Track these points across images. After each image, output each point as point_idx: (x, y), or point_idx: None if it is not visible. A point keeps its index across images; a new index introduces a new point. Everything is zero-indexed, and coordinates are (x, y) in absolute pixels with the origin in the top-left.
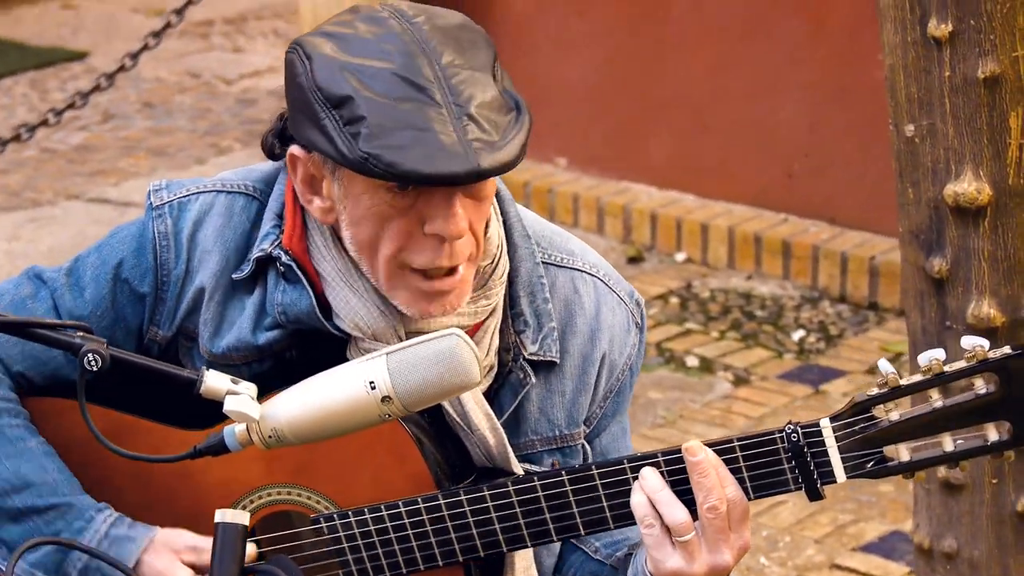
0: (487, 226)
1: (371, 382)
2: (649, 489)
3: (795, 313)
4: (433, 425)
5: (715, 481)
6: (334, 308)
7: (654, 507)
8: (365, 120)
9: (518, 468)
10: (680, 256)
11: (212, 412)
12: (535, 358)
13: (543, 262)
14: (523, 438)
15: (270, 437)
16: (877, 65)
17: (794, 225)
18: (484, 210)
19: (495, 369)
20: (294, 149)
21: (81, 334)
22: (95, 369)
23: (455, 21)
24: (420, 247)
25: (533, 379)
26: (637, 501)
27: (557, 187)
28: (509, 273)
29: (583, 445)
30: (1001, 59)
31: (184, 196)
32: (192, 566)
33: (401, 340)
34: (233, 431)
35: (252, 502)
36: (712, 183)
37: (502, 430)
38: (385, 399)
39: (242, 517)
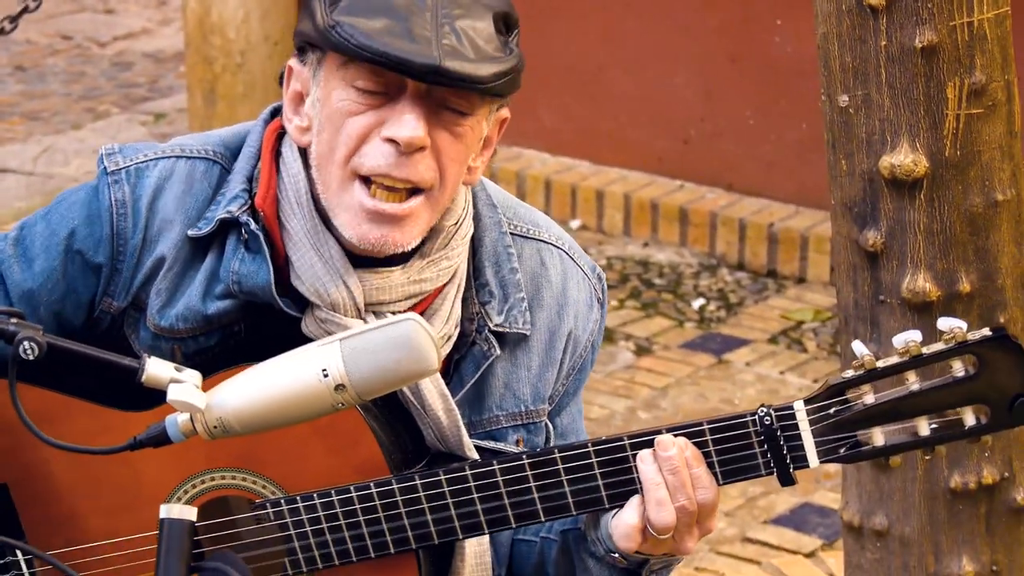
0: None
1: (324, 369)
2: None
3: (694, 281)
4: (385, 406)
5: (685, 479)
6: (296, 269)
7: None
8: None
9: (472, 452)
10: (575, 223)
11: (153, 392)
12: (501, 330)
13: (510, 233)
14: (487, 413)
15: (215, 427)
16: (772, 31)
17: (690, 192)
18: (458, 148)
19: (454, 339)
20: (291, 62)
21: (15, 320)
22: (31, 358)
23: None
24: (372, 151)
25: (498, 351)
26: (647, 470)
27: None
28: (473, 241)
29: (546, 423)
30: (939, 28)
31: (142, 162)
32: None
33: (360, 311)
34: (176, 421)
35: (194, 487)
36: (607, 150)
37: (457, 412)
38: (339, 387)
39: (188, 512)
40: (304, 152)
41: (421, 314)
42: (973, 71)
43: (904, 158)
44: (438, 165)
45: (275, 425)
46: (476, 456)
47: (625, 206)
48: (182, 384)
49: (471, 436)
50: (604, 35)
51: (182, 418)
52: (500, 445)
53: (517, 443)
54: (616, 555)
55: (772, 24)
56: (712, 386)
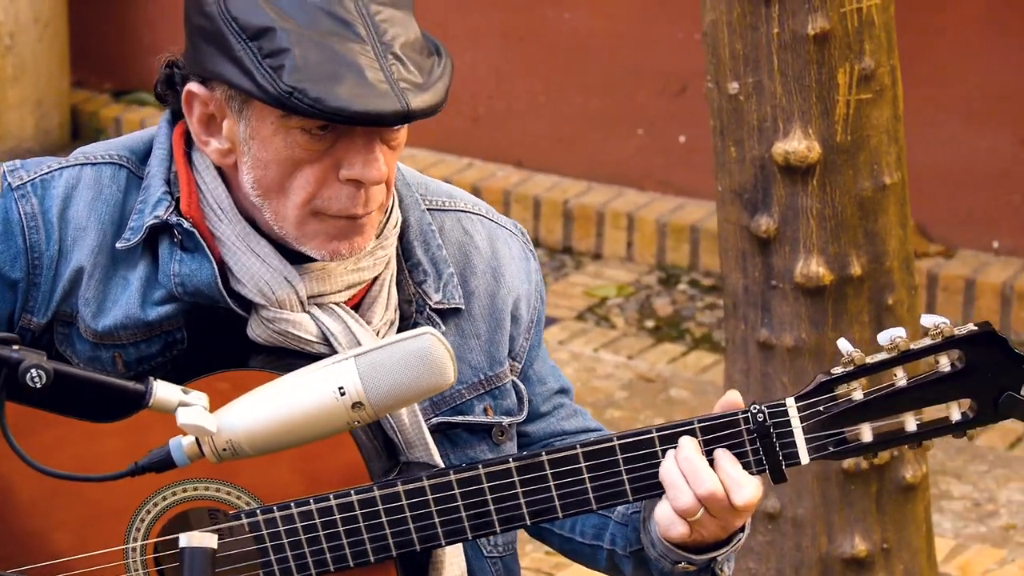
0: None
1: (340, 387)
2: (681, 457)
3: None
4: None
5: (698, 465)
6: (236, 274)
7: (683, 475)
8: (288, 53)
9: (436, 456)
10: None
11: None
12: (441, 307)
13: (428, 208)
14: (447, 390)
15: (224, 450)
16: (561, 7)
17: (481, 170)
18: (396, 158)
19: (396, 324)
20: (192, 86)
21: (17, 347)
22: (39, 386)
23: None
24: (335, 193)
25: (443, 327)
26: (667, 468)
27: None
28: (400, 223)
29: (513, 383)
30: (830, 15)
31: (45, 173)
32: None
33: (303, 305)
34: (180, 444)
35: (165, 499)
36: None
37: (418, 411)
38: (356, 405)
39: (209, 540)
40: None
41: (360, 302)
42: (863, 57)
43: (798, 144)
44: (386, 182)
45: (287, 446)
46: (439, 460)
47: None
48: (191, 407)
49: (437, 415)
50: (445, 8)
51: (187, 441)
52: (468, 418)
53: (485, 411)
54: (681, 564)
55: (561, 3)
56: None
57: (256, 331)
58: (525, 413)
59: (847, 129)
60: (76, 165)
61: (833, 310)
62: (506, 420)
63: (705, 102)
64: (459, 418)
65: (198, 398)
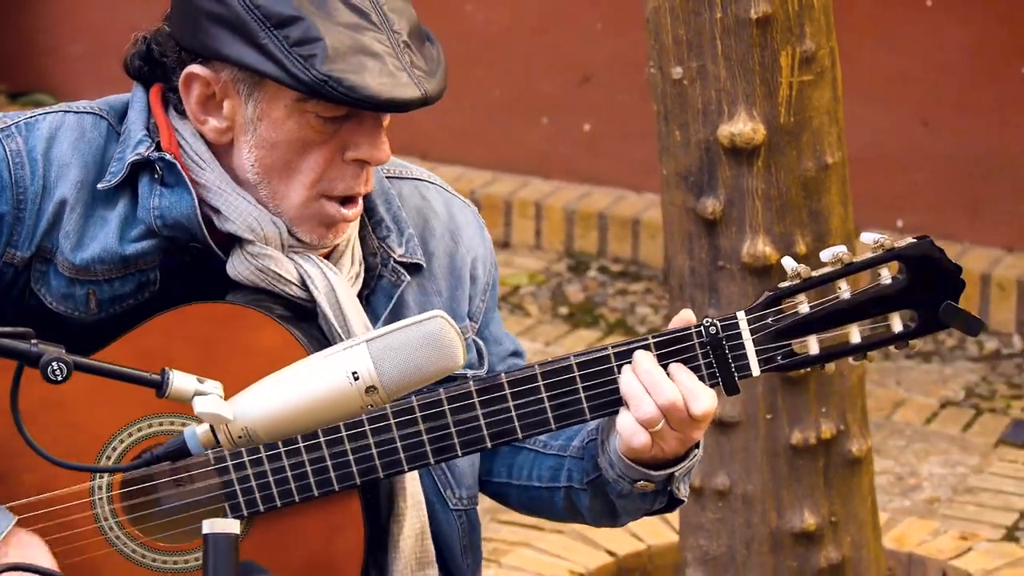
0: None
1: (353, 372)
2: (641, 370)
3: None
4: (315, 339)
5: (658, 377)
6: (223, 211)
7: (644, 386)
8: (320, 42)
9: None
10: None
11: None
12: (404, 260)
13: (387, 176)
14: None
15: (240, 437)
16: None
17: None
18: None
19: (361, 276)
20: (195, 68)
21: (35, 340)
22: (59, 379)
23: None
24: (340, 174)
25: (408, 278)
26: (627, 381)
27: None
28: None
29: (474, 340)
30: None
31: (30, 117)
32: None
33: (284, 246)
34: (195, 433)
35: (130, 435)
36: None
37: None
38: (370, 389)
39: (232, 526)
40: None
41: (328, 256)
42: (804, 39)
43: (743, 126)
44: None
45: (302, 431)
46: None
47: None
48: (208, 396)
49: None
50: None
51: (201, 430)
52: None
53: None
54: (640, 481)
55: None
56: None
57: (237, 268)
58: (486, 367)
59: (790, 111)
60: (59, 112)
61: None
62: (469, 372)
63: (608, 91)
64: None
65: (213, 387)
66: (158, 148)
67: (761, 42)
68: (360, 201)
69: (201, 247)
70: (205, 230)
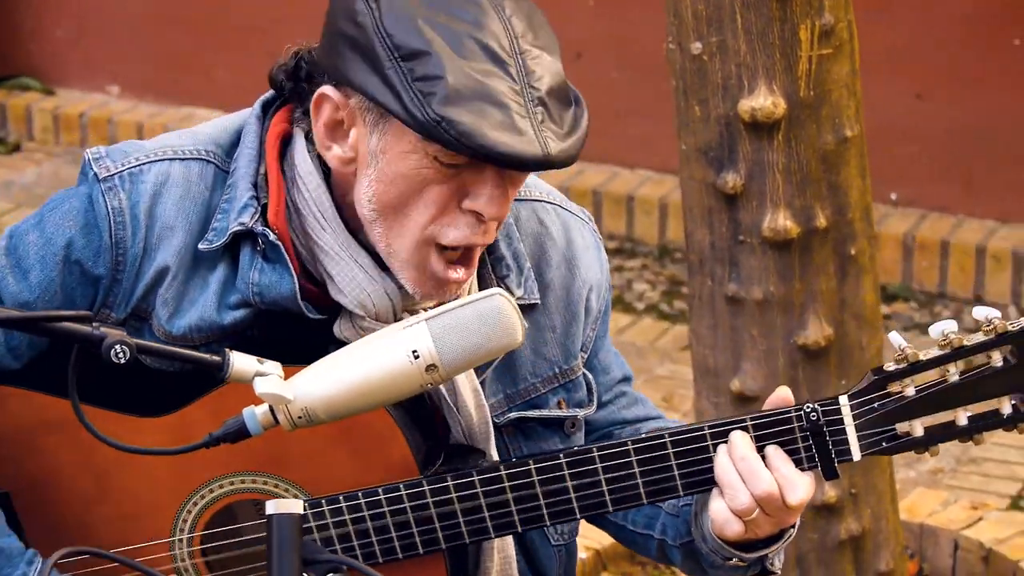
0: None
1: (414, 351)
2: (737, 456)
3: None
4: (410, 403)
5: (754, 465)
6: (337, 282)
7: (740, 475)
8: (441, 81)
9: (493, 450)
10: None
11: (168, 397)
12: (522, 303)
13: None
14: (522, 384)
15: (300, 418)
16: None
17: None
18: (514, 196)
19: None
20: (327, 89)
21: (97, 324)
22: (123, 361)
23: None
24: (454, 221)
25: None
26: (723, 467)
27: (117, 116)
28: None
29: (584, 375)
30: None
31: (134, 166)
32: None
33: (396, 316)
34: (254, 414)
35: (211, 491)
36: None
37: (487, 407)
38: (430, 368)
39: (295, 506)
40: (321, 162)
41: (443, 302)
42: (823, 13)
43: (764, 101)
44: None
45: (362, 410)
46: (495, 453)
47: None
48: (268, 376)
49: (511, 409)
50: None
51: (261, 410)
52: (544, 412)
53: (559, 405)
54: (733, 559)
55: None
56: None
57: (345, 332)
58: (595, 405)
59: (810, 84)
60: (165, 159)
61: (800, 262)
62: (579, 413)
63: (601, 68)
64: (535, 412)
65: (273, 367)
66: (264, 214)
67: (781, 16)
68: (475, 261)
69: (298, 314)
70: (305, 306)
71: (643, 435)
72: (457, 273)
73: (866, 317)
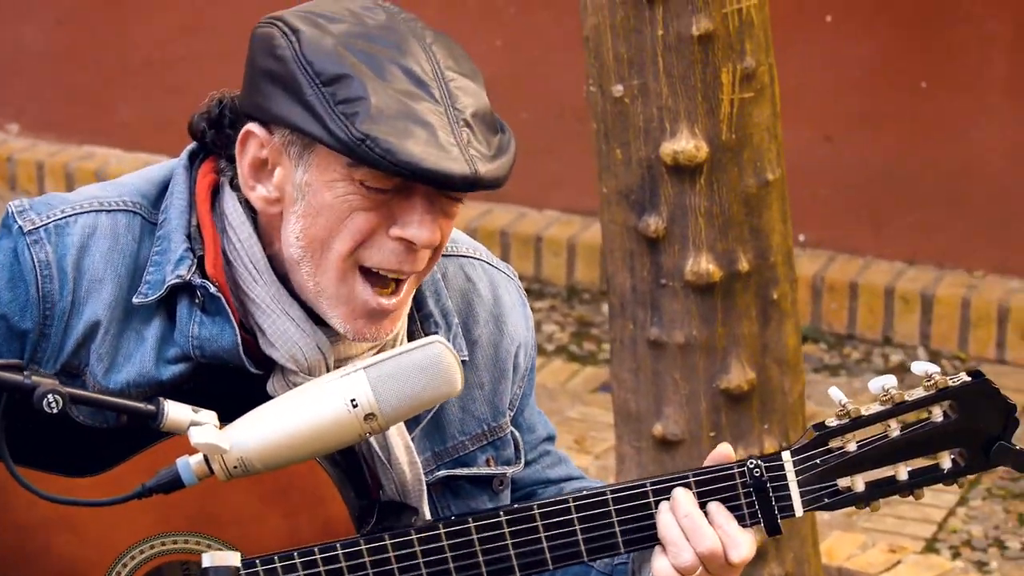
0: None
1: (352, 400)
2: (681, 513)
3: None
4: (342, 459)
5: (699, 522)
6: (268, 336)
7: (684, 532)
8: (363, 100)
9: (426, 507)
10: None
11: (103, 454)
12: None
13: None
14: (451, 441)
15: (235, 468)
16: None
17: None
18: (450, 226)
19: None
20: (252, 126)
21: (28, 372)
22: (55, 411)
23: (437, 30)
24: (381, 246)
25: None
26: (666, 524)
27: (17, 155)
28: None
29: (512, 433)
30: (713, 15)
31: (60, 219)
32: None
33: (328, 370)
34: (188, 464)
35: (142, 552)
36: (187, 143)
37: (419, 465)
38: (368, 416)
39: (233, 558)
40: (250, 210)
41: (378, 343)
42: (744, 56)
43: (686, 144)
44: (435, 249)
45: (298, 460)
46: (427, 511)
47: None
48: (203, 426)
49: (440, 467)
50: (183, 26)
51: (195, 459)
52: (473, 470)
53: (488, 462)
54: None
55: None
56: None
57: (277, 389)
58: (523, 463)
59: (732, 128)
60: (90, 211)
61: (723, 306)
62: (508, 470)
63: (509, 109)
64: (463, 470)
65: (209, 416)
66: (200, 267)
67: (703, 59)
68: (404, 290)
69: (238, 368)
70: (246, 360)
71: (584, 491)
72: (388, 300)
73: (788, 361)
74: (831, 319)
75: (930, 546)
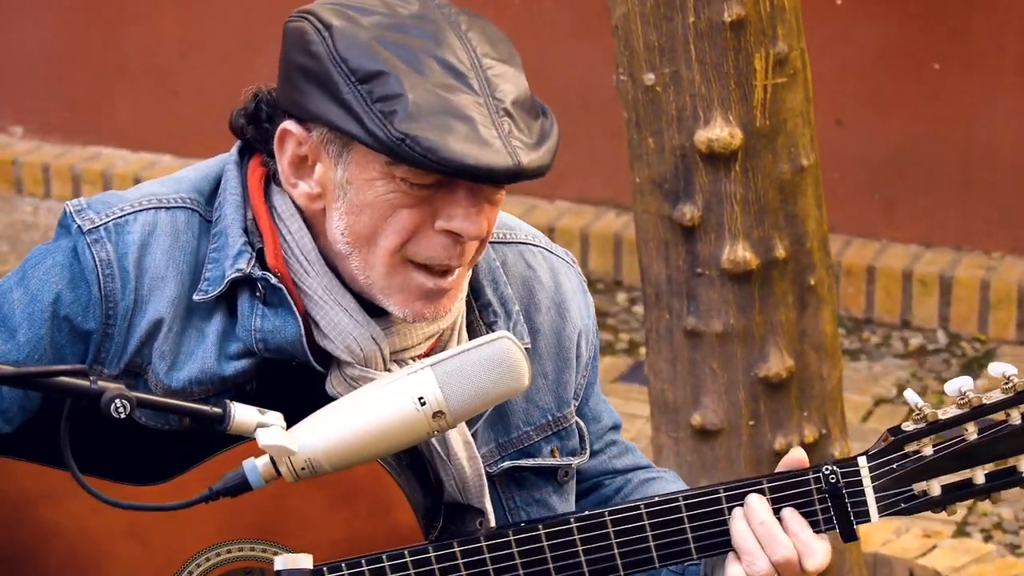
0: None
1: (420, 398)
2: (756, 520)
3: None
4: (403, 458)
5: (774, 530)
6: (323, 328)
7: (759, 540)
8: (401, 98)
9: (488, 504)
10: None
11: (168, 463)
12: None
13: (490, 242)
14: (515, 432)
15: (303, 469)
16: None
17: None
18: (496, 213)
19: None
20: (289, 124)
21: (94, 378)
22: (123, 416)
23: (473, 12)
24: (428, 241)
25: None
26: (740, 531)
27: (22, 157)
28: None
29: (577, 423)
30: (745, 1)
31: (119, 217)
32: None
33: (385, 362)
34: (255, 466)
35: (208, 559)
36: (190, 142)
37: (479, 460)
38: (437, 414)
39: (305, 560)
40: (297, 206)
41: (433, 349)
42: (776, 41)
43: (720, 131)
44: (484, 235)
45: (366, 460)
46: (490, 508)
47: None
48: (270, 428)
49: (504, 458)
50: (182, 25)
51: (262, 462)
52: (537, 461)
53: (552, 453)
54: None
55: None
56: None
57: (336, 388)
58: (588, 453)
59: (765, 114)
60: (150, 209)
61: (760, 294)
62: (573, 461)
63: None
64: (528, 461)
65: (275, 418)
66: (260, 259)
67: (735, 45)
68: (457, 272)
69: (300, 364)
70: (309, 353)
71: (655, 498)
72: (444, 280)
73: (826, 347)
74: (849, 303)
75: (961, 530)
